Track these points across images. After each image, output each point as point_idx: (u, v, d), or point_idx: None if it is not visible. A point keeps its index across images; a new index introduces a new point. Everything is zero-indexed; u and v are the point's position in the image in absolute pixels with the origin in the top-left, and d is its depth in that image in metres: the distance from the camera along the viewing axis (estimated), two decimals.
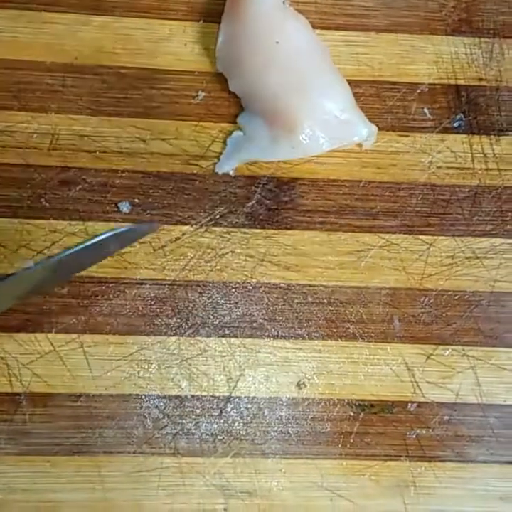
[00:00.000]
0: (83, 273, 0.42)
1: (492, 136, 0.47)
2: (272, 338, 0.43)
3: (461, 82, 0.47)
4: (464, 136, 0.46)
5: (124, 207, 0.43)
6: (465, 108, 0.47)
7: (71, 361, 0.41)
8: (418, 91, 0.47)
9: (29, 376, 0.41)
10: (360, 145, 0.45)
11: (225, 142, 0.44)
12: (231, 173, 0.44)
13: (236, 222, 0.44)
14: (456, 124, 0.47)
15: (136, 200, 0.44)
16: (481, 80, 0.47)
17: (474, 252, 0.45)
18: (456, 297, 0.44)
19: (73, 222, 0.43)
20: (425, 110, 0.46)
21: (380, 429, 0.42)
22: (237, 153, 0.44)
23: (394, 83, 0.47)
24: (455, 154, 0.46)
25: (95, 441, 0.41)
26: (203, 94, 0.45)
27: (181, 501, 0.40)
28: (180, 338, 0.42)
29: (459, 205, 0.45)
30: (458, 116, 0.47)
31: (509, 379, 0.43)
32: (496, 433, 0.42)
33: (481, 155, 0.46)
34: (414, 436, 0.42)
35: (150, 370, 0.42)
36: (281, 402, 0.42)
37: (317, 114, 0.43)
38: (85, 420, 0.41)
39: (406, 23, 0.48)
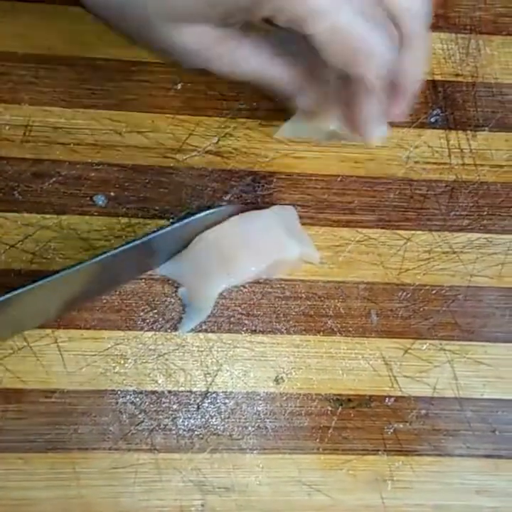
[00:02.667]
0: (57, 267, 0.41)
1: (468, 132, 0.47)
2: (249, 333, 0.42)
3: (438, 77, 0.47)
4: (441, 131, 0.47)
5: (100, 200, 0.43)
6: (442, 103, 0.47)
7: (45, 357, 0.41)
8: None
9: (2, 372, 0.40)
10: None
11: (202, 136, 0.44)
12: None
13: None
14: (433, 119, 0.47)
15: (112, 194, 0.43)
16: (457, 75, 0.48)
17: (451, 246, 0.45)
18: (434, 292, 0.44)
19: (47, 216, 0.42)
20: None
21: (357, 424, 0.42)
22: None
23: None
24: (432, 149, 0.46)
25: (70, 437, 0.40)
26: (180, 84, 0.45)
27: (158, 498, 0.40)
28: (157, 333, 0.42)
29: (436, 200, 0.45)
30: (435, 112, 0.47)
31: (485, 373, 0.43)
32: (473, 427, 0.43)
33: (458, 150, 0.46)
34: (391, 430, 0.42)
35: (126, 365, 0.41)
36: (258, 397, 0.42)
37: None
38: (60, 416, 0.40)
39: None
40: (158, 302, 0.42)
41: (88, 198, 0.43)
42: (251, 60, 0.36)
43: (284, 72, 0.37)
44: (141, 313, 0.42)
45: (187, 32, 0.34)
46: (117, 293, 0.42)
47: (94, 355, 0.41)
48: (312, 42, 0.32)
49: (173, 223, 0.41)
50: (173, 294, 0.42)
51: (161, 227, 0.41)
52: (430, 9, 0.36)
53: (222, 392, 0.42)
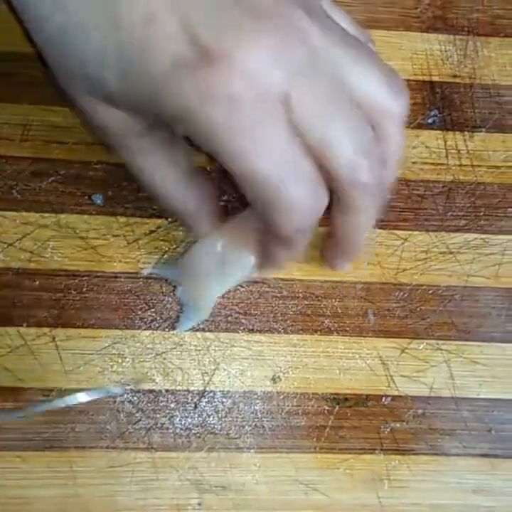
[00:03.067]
0: (56, 266, 0.42)
1: (466, 133, 0.47)
2: (247, 332, 0.42)
3: (436, 78, 0.48)
4: (439, 132, 0.47)
5: (98, 199, 0.43)
6: (439, 104, 0.47)
7: (43, 355, 0.41)
8: None
9: None
10: None
11: None
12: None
13: None
14: (430, 120, 0.47)
15: (110, 193, 0.43)
16: (455, 76, 0.48)
17: (448, 247, 0.45)
18: (430, 292, 0.44)
19: (45, 215, 0.42)
20: None
21: (354, 423, 0.42)
22: None
23: None
24: (429, 150, 0.46)
25: (67, 436, 0.40)
26: None
27: (155, 496, 0.40)
28: (154, 332, 0.42)
29: (434, 200, 0.46)
30: (432, 113, 0.47)
31: (482, 373, 0.43)
32: (469, 426, 0.43)
33: (455, 151, 0.46)
34: (388, 429, 0.42)
35: (124, 364, 0.41)
36: (256, 396, 0.42)
37: None
38: (57, 415, 0.40)
39: (382, 20, 0.48)
40: (156, 301, 0.42)
41: (86, 197, 0.43)
42: (158, 173, 0.34)
43: (191, 201, 0.35)
44: (139, 312, 0.42)
45: (104, 109, 0.31)
46: (115, 292, 0.42)
47: (92, 353, 0.41)
48: (231, 176, 0.30)
49: None
50: (171, 293, 0.42)
51: None
52: (408, 107, 0.32)
53: (220, 391, 0.42)
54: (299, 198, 0.29)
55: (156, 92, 0.28)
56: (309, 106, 0.29)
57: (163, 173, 0.34)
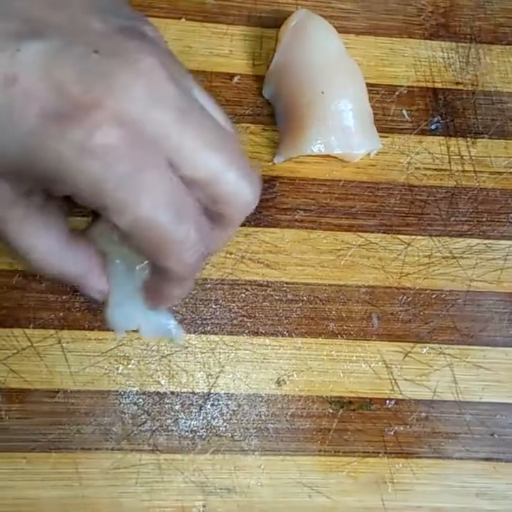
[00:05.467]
0: None
1: (468, 139, 0.47)
2: (251, 335, 0.43)
3: (439, 85, 0.48)
4: (442, 138, 0.47)
5: None
6: (442, 111, 0.48)
7: (49, 357, 0.41)
8: (397, 93, 0.47)
9: (6, 372, 0.40)
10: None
11: None
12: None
13: None
14: (433, 127, 0.47)
15: None
16: (457, 83, 0.48)
17: (451, 251, 0.45)
18: (434, 296, 0.45)
19: None
20: (404, 112, 0.47)
21: (358, 426, 0.42)
22: None
23: (373, 85, 0.47)
24: (433, 156, 0.47)
25: (73, 437, 0.40)
26: None
27: (160, 498, 0.40)
28: None
29: (437, 205, 0.46)
30: (435, 119, 0.47)
31: (485, 377, 0.44)
32: (472, 430, 0.43)
33: (458, 157, 0.47)
34: (392, 432, 0.42)
35: (129, 366, 0.41)
36: (260, 399, 0.42)
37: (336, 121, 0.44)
38: (63, 417, 0.40)
39: (385, 27, 0.49)
40: None
41: None
42: (34, 239, 0.31)
43: (75, 263, 0.34)
44: None
45: None
46: None
47: (98, 355, 0.41)
48: (118, 229, 0.29)
49: None
50: None
51: None
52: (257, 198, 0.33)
53: (224, 393, 0.42)
54: (188, 235, 0.30)
55: (29, 154, 0.27)
56: (191, 141, 0.29)
57: (41, 239, 0.32)
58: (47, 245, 0.32)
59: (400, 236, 0.45)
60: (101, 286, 0.36)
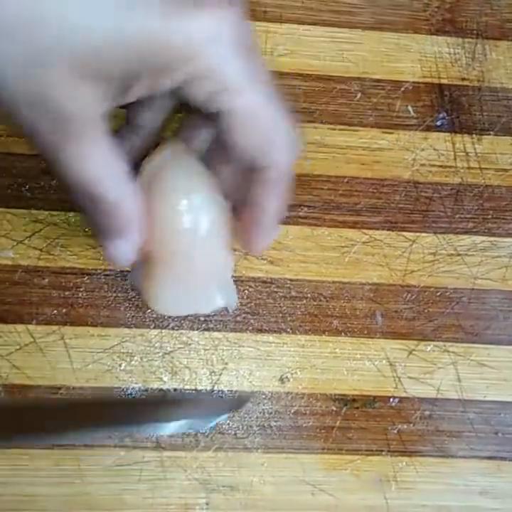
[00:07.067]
0: (65, 264, 0.42)
1: (474, 136, 0.47)
2: (255, 332, 0.42)
3: (445, 81, 0.48)
4: (447, 134, 0.47)
5: None
6: (448, 107, 0.47)
7: (51, 353, 0.41)
8: (402, 89, 0.47)
9: (8, 368, 0.40)
10: None
11: None
12: None
13: None
14: (439, 123, 0.47)
15: None
16: (463, 79, 0.48)
17: (456, 249, 0.45)
18: (438, 294, 0.44)
19: (55, 213, 0.42)
20: (409, 108, 0.47)
21: (362, 424, 0.42)
22: None
23: (379, 80, 0.47)
24: (438, 152, 0.46)
25: None
26: None
27: (163, 495, 0.40)
28: (163, 330, 0.42)
29: (442, 202, 0.46)
30: (441, 115, 0.47)
31: (489, 375, 0.44)
32: (476, 428, 0.43)
33: (463, 153, 0.47)
34: (395, 431, 0.42)
35: (132, 362, 0.41)
36: (263, 396, 0.42)
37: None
38: None
39: (391, 22, 0.48)
40: None
41: None
42: (100, 163, 0.30)
43: (135, 200, 0.32)
44: (148, 311, 0.42)
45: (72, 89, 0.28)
46: (124, 290, 0.42)
47: (101, 352, 0.41)
48: (224, 122, 0.29)
49: None
50: None
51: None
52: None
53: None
54: (290, 129, 0.32)
55: (157, 36, 0.27)
56: None
57: (111, 163, 0.31)
58: (114, 168, 0.31)
59: (405, 233, 0.45)
60: (136, 245, 0.34)
